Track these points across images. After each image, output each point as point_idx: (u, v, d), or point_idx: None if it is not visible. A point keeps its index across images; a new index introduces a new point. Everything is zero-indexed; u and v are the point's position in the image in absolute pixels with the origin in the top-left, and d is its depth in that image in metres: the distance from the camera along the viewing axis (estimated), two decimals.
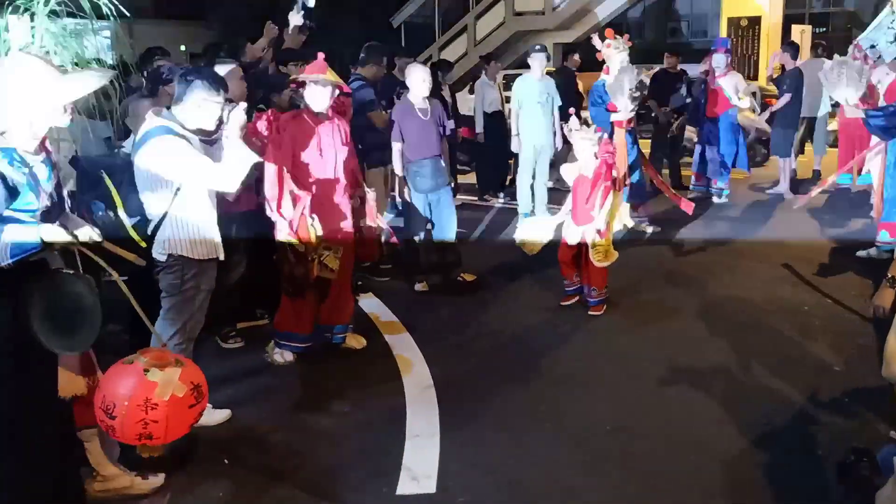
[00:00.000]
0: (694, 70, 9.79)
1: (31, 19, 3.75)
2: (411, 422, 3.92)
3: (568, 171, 5.49)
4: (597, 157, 5.28)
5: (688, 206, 6.78)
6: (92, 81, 2.99)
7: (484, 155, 9.77)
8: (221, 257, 3.80)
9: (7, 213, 2.65)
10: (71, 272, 2.98)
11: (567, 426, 3.85)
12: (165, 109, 3.67)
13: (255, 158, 3.69)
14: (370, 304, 5.76)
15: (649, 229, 7.59)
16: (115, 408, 2.87)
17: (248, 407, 4.07)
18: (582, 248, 5.32)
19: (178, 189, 3.53)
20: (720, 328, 5.07)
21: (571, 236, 5.35)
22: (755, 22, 16.62)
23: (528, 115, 8.14)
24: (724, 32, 17.23)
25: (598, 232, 5.23)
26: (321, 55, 4.52)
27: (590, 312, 5.39)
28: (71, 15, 3.80)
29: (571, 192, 5.43)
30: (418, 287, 6.03)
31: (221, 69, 4.36)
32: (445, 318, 5.48)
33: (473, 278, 6.15)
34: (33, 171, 2.73)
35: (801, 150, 9.98)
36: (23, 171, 2.68)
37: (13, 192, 2.66)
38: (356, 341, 4.91)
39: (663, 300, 5.70)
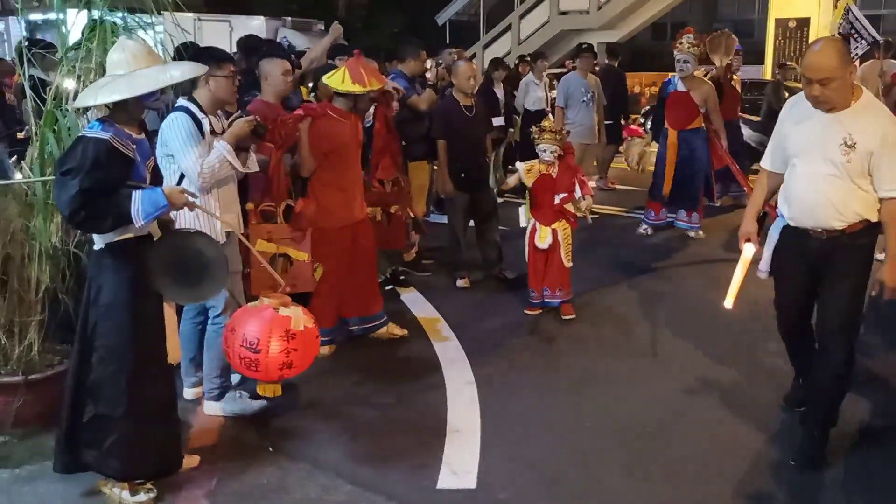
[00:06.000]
0: (746, 73, 9.58)
1: (89, 11, 3.82)
2: (452, 417, 3.94)
3: (526, 171, 5.28)
4: (562, 155, 5.21)
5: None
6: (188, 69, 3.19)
7: (526, 152, 9.73)
8: (240, 232, 3.78)
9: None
10: (191, 230, 3.25)
11: (609, 426, 3.83)
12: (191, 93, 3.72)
13: (240, 167, 3.65)
14: (412, 299, 5.79)
15: (692, 234, 7.46)
16: (259, 342, 3.09)
17: (290, 397, 4.11)
18: (549, 252, 5.25)
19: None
20: (768, 332, 4.95)
21: (541, 240, 5.24)
22: (804, 24, 16.29)
23: (573, 114, 8.13)
24: (771, 34, 16.94)
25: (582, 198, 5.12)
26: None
27: (563, 316, 5.28)
28: (130, 10, 3.87)
29: (530, 194, 5.29)
30: (460, 283, 6.04)
31: (269, 64, 4.43)
32: (486, 314, 5.47)
33: (515, 276, 6.13)
34: (136, 148, 3.00)
35: None
36: (132, 148, 2.95)
37: (130, 166, 2.93)
38: (397, 328, 4.97)
39: (709, 303, 5.61)
